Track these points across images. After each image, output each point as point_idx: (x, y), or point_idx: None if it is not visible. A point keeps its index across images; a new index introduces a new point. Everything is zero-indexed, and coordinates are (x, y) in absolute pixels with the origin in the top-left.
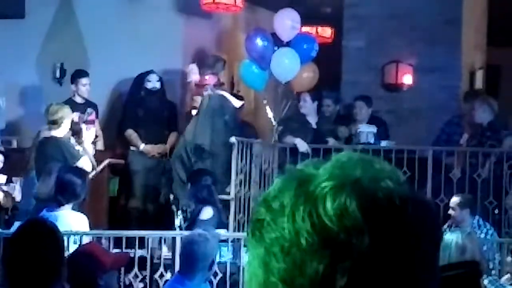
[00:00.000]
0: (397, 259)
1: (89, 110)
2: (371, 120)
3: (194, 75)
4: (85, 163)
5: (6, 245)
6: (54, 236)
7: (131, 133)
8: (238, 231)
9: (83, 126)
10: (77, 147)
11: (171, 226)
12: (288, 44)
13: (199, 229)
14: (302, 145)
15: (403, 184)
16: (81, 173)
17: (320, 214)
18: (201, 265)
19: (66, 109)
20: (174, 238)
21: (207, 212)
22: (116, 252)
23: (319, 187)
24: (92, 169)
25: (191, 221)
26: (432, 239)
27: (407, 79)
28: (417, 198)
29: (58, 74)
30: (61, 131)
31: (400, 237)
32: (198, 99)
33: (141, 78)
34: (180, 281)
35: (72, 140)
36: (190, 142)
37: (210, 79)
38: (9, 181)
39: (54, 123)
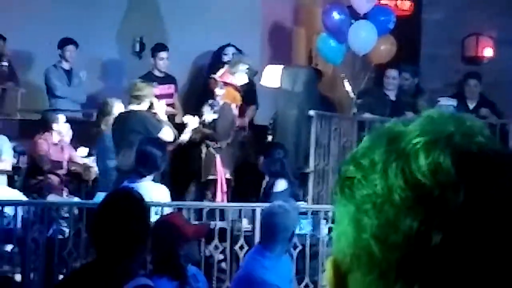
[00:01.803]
0: (494, 214)
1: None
2: (481, 100)
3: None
4: (167, 132)
5: (94, 214)
6: (140, 205)
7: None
8: (317, 203)
9: (154, 99)
10: (158, 118)
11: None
12: (365, 17)
13: (278, 201)
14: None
15: (495, 140)
16: (161, 144)
17: (413, 170)
18: (282, 236)
19: (151, 89)
20: (254, 210)
21: (280, 185)
22: (197, 223)
23: (411, 143)
24: (174, 139)
25: (265, 194)
26: None
27: (488, 52)
28: (510, 154)
29: (137, 48)
30: (142, 108)
31: (495, 192)
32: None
33: (219, 51)
34: (260, 253)
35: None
36: None
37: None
38: (89, 154)
39: (137, 99)
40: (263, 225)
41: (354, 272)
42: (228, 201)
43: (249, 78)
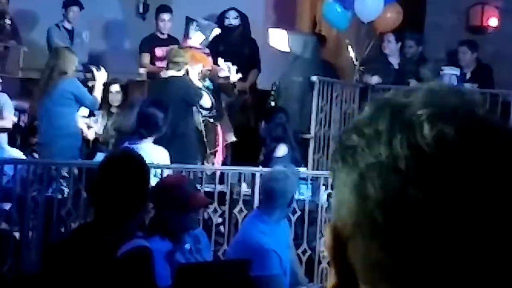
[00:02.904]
0: (497, 187)
1: None
2: (478, 66)
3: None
4: (207, 100)
5: (94, 173)
6: (140, 167)
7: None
8: (317, 169)
9: (189, 66)
10: (199, 85)
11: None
12: None
13: (278, 166)
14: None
15: (493, 113)
16: (164, 106)
17: (418, 141)
18: (280, 201)
19: (188, 55)
20: (253, 174)
21: (281, 150)
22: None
23: (415, 114)
24: (211, 106)
25: (266, 158)
26: None
27: (493, 22)
28: (509, 127)
29: (141, 9)
30: (180, 74)
31: (497, 164)
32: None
33: (222, 15)
34: (259, 217)
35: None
36: None
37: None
38: (91, 114)
39: (177, 65)
40: (262, 190)
41: (355, 239)
42: (227, 165)
43: (251, 42)
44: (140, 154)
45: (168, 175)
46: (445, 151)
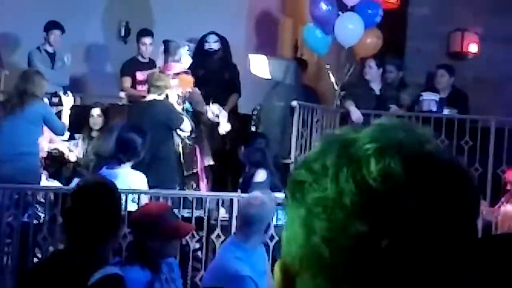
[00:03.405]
0: (441, 219)
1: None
2: (453, 92)
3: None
4: (187, 124)
5: (67, 199)
6: (112, 193)
7: None
8: None
9: (169, 90)
10: (179, 109)
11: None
12: (352, 9)
13: (256, 191)
14: (355, 113)
15: (443, 149)
16: (142, 131)
17: (364, 175)
18: (257, 227)
19: (169, 80)
20: (231, 200)
21: (260, 175)
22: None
23: (363, 149)
24: (191, 131)
25: (245, 184)
26: (471, 204)
27: (473, 48)
28: (457, 162)
29: (123, 33)
30: (161, 98)
31: (443, 199)
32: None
33: (202, 39)
34: (235, 243)
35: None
36: None
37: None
38: (72, 137)
39: (158, 89)
40: (238, 216)
41: (302, 274)
42: (209, 189)
43: (231, 66)
44: (111, 180)
45: (150, 202)
46: (392, 186)
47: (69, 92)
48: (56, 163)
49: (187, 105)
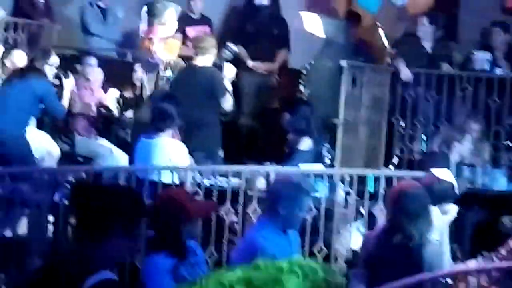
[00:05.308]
0: None
1: None
2: (509, 49)
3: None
4: (228, 100)
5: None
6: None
7: (240, 49)
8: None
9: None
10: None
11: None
12: None
13: (297, 161)
14: (405, 74)
15: None
16: (175, 99)
17: None
18: (285, 210)
19: (214, 41)
20: (268, 173)
21: (305, 143)
22: (203, 201)
23: None
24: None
25: (290, 151)
26: None
27: None
28: None
29: None
30: (207, 60)
31: None
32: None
33: None
34: (264, 222)
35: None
36: None
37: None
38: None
39: (202, 50)
40: (268, 195)
41: None
42: None
43: (281, 21)
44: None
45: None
46: None
47: (69, 74)
48: (105, 123)
49: (169, 72)
